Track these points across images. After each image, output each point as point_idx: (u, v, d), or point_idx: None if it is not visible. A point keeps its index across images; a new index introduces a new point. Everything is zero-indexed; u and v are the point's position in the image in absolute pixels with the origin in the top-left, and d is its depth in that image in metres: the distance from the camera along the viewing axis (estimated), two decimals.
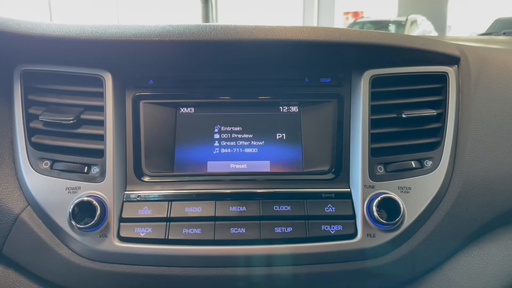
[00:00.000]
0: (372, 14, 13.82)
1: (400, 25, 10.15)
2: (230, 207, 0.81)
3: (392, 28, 10.31)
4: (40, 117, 0.82)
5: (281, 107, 0.89)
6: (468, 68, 0.90)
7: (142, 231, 0.79)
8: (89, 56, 0.83)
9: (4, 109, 0.84)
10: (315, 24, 14.82)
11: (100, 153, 0.82)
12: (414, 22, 10.26)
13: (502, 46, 1.32)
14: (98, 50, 0.81)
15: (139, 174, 0.85)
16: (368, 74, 0.85)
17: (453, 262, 0.86)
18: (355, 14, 14.51)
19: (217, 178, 0.85)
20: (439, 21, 12.41)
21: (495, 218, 0.85)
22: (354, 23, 11.29)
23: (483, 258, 0.86)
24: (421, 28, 10.48)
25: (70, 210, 0.77)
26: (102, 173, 0.81)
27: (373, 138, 0.84)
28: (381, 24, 10.63)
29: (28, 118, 0.84)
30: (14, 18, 0.78)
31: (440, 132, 0.87)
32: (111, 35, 0.77)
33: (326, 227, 0.80)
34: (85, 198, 0.78)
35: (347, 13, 14.95)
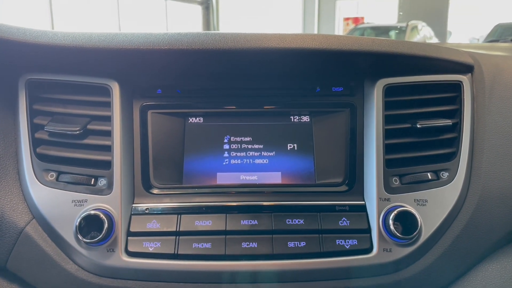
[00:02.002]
0: (372, 19, 13.85)
1: (400, 30, 10.16)
2: (241, 221, 0.79)
3: (392, 34, 10.31)
4: (45, 127, 0.81)
5: (292, 117, 0.87)
6: (482, 77, 0.89)
7: (151, 246, 0.77)
8: (96, 65, 0.82)
9: (9, 119, 0.82)
10: (315, 31, 14.86)
11: (107, 165, 0.80)
12: (414, 27, 10.26)
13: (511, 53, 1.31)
14: (105, 59, 0.79)
15: (147, 186, 0.83)
16: (382, 83, 0.84)
17: (470, 277, 0.83)
18: (356, 20, 14.52)
19: (227, 190, 0.83)
20: (440, 27, 12.42)
21: None
22: (355, 29, 11.29)
23: (501, 273, 0.83)
24: (422, 33, 10.48)
25: (77, 223, 0.75)
26: (110, 185, 0.79)
27: (388, 148, 0.82)
28: (382, 30, 10.63)
29: (33, 128, 0.82)
30: (19, 27, 0.76)
31: (455, 142, 0.85)
32: (119, 44, 0.75)
33: (341, 242, 0.77)
34: (92, 212, 0.76)
35: (347, 18, 14.98)
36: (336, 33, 14.64)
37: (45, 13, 8.95)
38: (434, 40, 10.81)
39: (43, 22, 8.79)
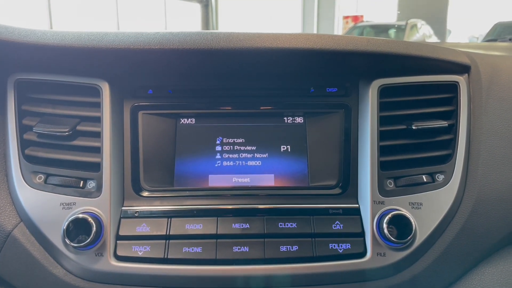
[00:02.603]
0: (372, 18, 13.83)
1: (400, 29, 10.14)
2: (233, 224, 0.77)
3: (392, 32, 10.30)
4: (34, 128, 0.79)
5: (285, 118, 0.86)
6: (479, 77, 0.87)
7: (140, 250, 0.75)
8: (86, 64, 0.80)
9: None
10: (314, 29, 14.84)
11: (97, 167, 0.79)
12: (414, 26, 10.25)
13: (510, 53, 1.29)
14: (95, 59, 0.78)
15: (137, 188, 0.82)
16: (376, 84, 0.82)
17: (466, 281, 0.82)
18: (355, 18, 14.48)
19: (219, 193, 0.82)
20: (439, 25, 12.41)
21: (509, 234, 0.82)
22: (354, 27, 11.27)
23: (497, 277, 0.82)
24: (421, 32, 10.47)
25: (65, 227, 0.73)
26: (99, 188, 0.78)
27: (382, 150, 0.81)
28: (381, 28, 10.61)
29: (22, 129, 0.81)
30: (7, 25, 0.74)
31: (451, 144, 0.83)
32: (109, 43, 0.74)
33: (334, 246, 0.76)
34: (80, 215, 0.74)
35: (346, 17, 14.93)
36: (336, 31, 14.62)
37: (44, 13, 8.92)
38: (434, 38, 10.81)
39: (42, 22, 8.76)
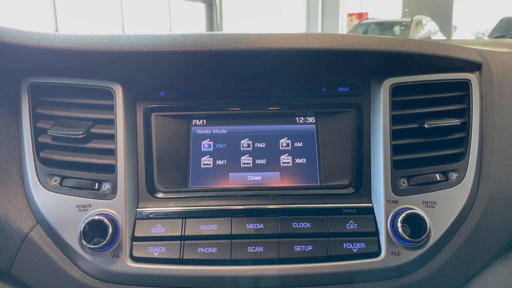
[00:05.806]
0: (376, 15, 13.77)
1: (405, 26, 10.08)
2: (247, 225, 0.78)
3: (397, 29, 10.24)
4: (48, 131, 0.80)
5: (297, 118, 0.86)
6: (490, 75, 0.87)
7: (156, 251, 0.76)
8: (99, 68, 0.81)
9: (12, 123, 0.82)
10: (319, 26, 14.79)
11: (111, 169, 0.79)
12: (419, 22, 10.18)
13: None
14: (107, 62, 0.78)
15: (151, 190, 0.82)
16: (388, 83, 0.82)
17: (480, 279, 0.82)
18: (360, 15, 14.41)
19: (232, 193, 0.82)
20: (445, 22, 12.32)
21: None
22: (359, 25, 11.22)
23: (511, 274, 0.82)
24: (427, 28, 10.39)
25: (81, 229, 0.74)
26: (114, 190, 0.78)
27: (395, 149, 0.81)
28: (386, 25, 10.56)
29: (36, 132, 0.81)
30: (21, 30, 0.75)
31: (464, 142, 0.83)
32: (121, 46, 0.74)
33: (348, 245, 0.76)
34: (96, 217, 0.75)
35: (351, 14, 14.86)
36: (340, 28, 14.55)
37: (49, 16, 8.95)
38: (439, 34, 10.73)
39: (47, 26, 8.79)
